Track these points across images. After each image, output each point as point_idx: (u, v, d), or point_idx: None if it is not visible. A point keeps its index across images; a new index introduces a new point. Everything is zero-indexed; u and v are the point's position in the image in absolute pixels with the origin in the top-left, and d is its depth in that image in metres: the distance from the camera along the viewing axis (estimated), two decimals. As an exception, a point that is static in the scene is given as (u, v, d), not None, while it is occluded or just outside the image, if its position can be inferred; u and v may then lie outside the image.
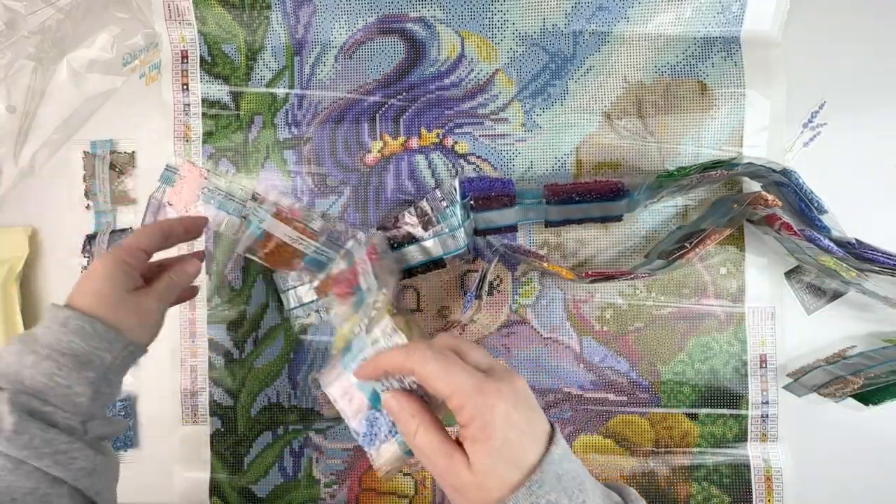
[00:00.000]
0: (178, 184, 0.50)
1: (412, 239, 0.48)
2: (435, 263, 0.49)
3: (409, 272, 0.50)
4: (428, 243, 0.48)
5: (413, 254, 0.49)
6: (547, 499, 0.28)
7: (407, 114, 0.52)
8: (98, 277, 0.38)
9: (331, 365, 0.39)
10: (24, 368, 0.35)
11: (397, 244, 0.49)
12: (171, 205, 0.49)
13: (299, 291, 0.51)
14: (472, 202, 0.48)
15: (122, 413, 0.55)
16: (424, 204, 0.48)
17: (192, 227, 0.44)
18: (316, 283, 0.46)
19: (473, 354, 0.32)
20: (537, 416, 0.31)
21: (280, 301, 0.52)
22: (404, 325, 0.38)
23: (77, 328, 0.36)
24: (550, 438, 0.30)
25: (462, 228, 0.48)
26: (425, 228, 0.48)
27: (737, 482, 0.49)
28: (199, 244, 0.54)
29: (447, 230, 0.47)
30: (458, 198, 0.48)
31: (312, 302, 0.51)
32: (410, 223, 0.48)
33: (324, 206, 0.52)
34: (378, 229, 0.50)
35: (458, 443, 0.30)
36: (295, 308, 0.52)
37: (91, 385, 0.36)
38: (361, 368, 0.34)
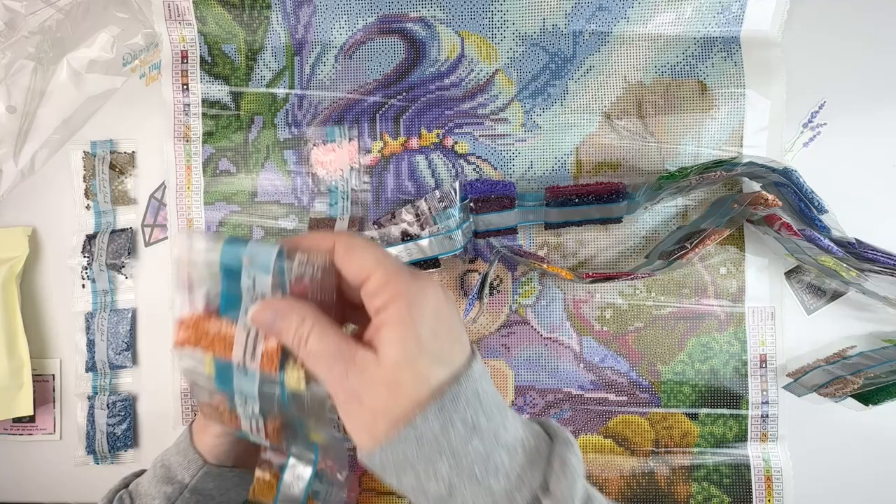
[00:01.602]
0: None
1: (408, 236, 0.48)
2: (430, 262, 0.49)
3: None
4: (424, 242, 0.48)
5: (409, 251, 0.49)
6: (464, 417, 0.24)
7: (407, 114, 0.52)
8: None
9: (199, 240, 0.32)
10: (147, 473, 0.41)
11: (393, 241, 0.49)
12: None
13: None
14: (472, 204, 0.48)
15: (122, 413, 0.55)
16: (423, 204, 0.48)
17: None
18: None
19: None
20: (462, 324, 0.27)
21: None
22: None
23: (178, 442, 0.41)
24: (472, 353, 0.27)
25: (460, 230, 0.48)
26: (422, 228, 0.48)
27: (737, 482, 0.49)
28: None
29: (444, 231, 0.47)
30: (457, 200, 0.48)
31: None
32: (407, 220, 0.48)
33: (324, 205, 0.52)
34: (373, 224, 0.50)
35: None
36: None
37: (167, 499, 0.39)
38: (287, 241, 0.29)
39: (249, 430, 0.35)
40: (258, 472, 0.38)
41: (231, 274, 0.29)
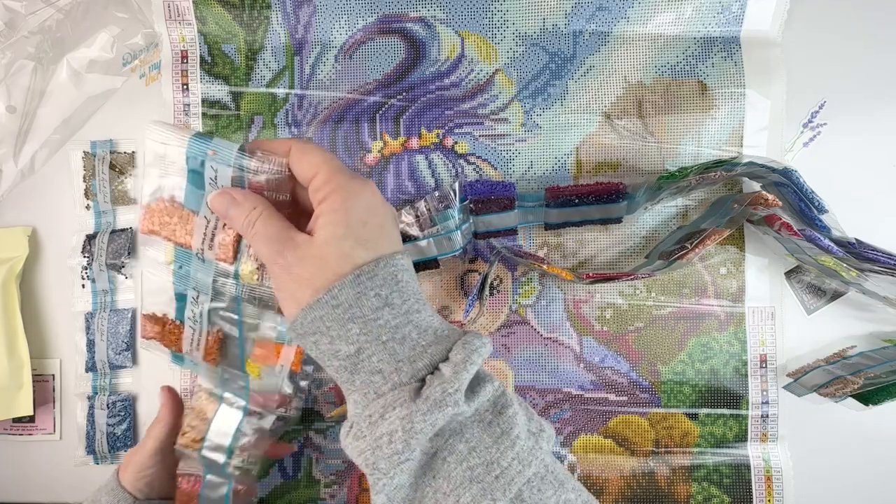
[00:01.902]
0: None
1: (407, 237, 0.48)
2: (428, 263, 0.49)
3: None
4: (423, 243, 0.48)
5: (407, 252, 0.49)
6: (378, 292, 0.27)
7: (407, 114, 0.52)
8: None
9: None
10: None
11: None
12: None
13: None
14: (471, 206, 0.48)
15: (122, 413, 0.55)
16: (422, 205, 0.48)
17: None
18: None
19: None
20: (395, 229, 0.30)
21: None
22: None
23: (107, 482, 0.43)
24: (401, 252, 0.30)
25: (459, 231, 0.48)
26: (421, 229, 0.48)
27: (737, 482, 0.49)
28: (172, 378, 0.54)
29: (443, 232, 0.47)
30: (456, 201, 0.48)
31: None
32: (406, 221, 0.48)
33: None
34: None
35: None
36: None
37: None
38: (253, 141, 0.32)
39: (190, 344, 0.37)
40: (180, 483, 0.41)
41: (196, 168, 0.32)
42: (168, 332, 0.38)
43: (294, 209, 0.32)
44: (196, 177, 0.32)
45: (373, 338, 0.27)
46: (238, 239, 0.33)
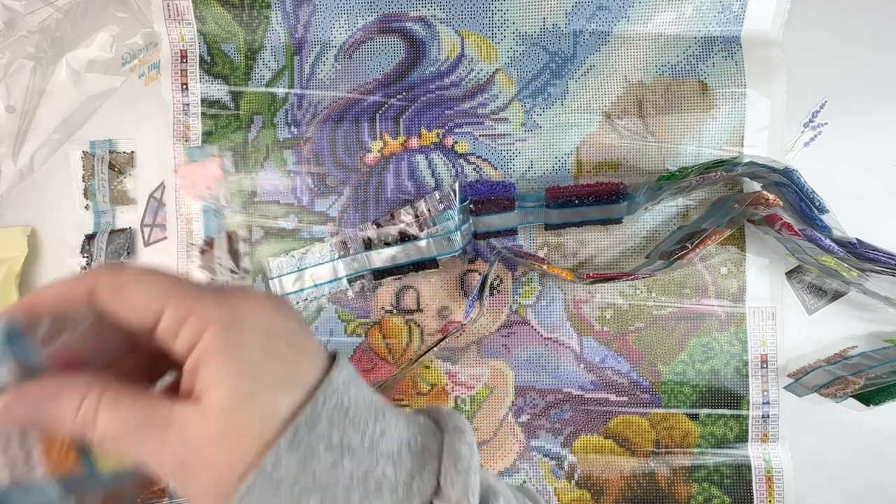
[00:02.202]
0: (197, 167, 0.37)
1: (406, 237, 0.48)
2: (427, 263, 0.49)
3: (401, 269, 0.50)
4: (422, 243, 0.48)
5: (407, 251, 0.49)
6: (328, 442, 0.20)
7: (407, 113, 0.51)
8: None
9: None
10: None
11: (391, 241, 0.49)
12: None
13: (284, 281, 0.51)
14: (471, 206, 0.48)
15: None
16: (422, 205, 0.48)
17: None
18: None
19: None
20: (309, 333, 0.22)
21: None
22: None
23: None
24: (332, 361, 0.22)
25: (459, 232, 0.48)
26: (421, 229, 0.48)
27: (738, 483, 0.49)
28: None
29: (443, 233, 0.47)
30: (456, 202, 0.48)
31: (300, 291, 0.51)
32: (406, 221, 0.48)
33: (324, 205, 0.52)
34: (373, 224, 0.50)
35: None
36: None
37: None
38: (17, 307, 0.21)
39: None
40: None
41: None
42: None
43: (141, 356, 0.23)
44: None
45: None
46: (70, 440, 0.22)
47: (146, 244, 0.55)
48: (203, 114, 0.53)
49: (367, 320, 0.52)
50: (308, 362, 0.21)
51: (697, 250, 0.45)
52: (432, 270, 0.50)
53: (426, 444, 0.22)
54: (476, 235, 0.50)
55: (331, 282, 0.51)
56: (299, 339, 0.21)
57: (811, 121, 0.49)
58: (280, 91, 0.53)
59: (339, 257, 0.51)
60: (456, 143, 0.51)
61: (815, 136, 0.49)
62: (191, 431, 0.19)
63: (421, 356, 0.50)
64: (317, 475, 0.19)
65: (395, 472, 0.21)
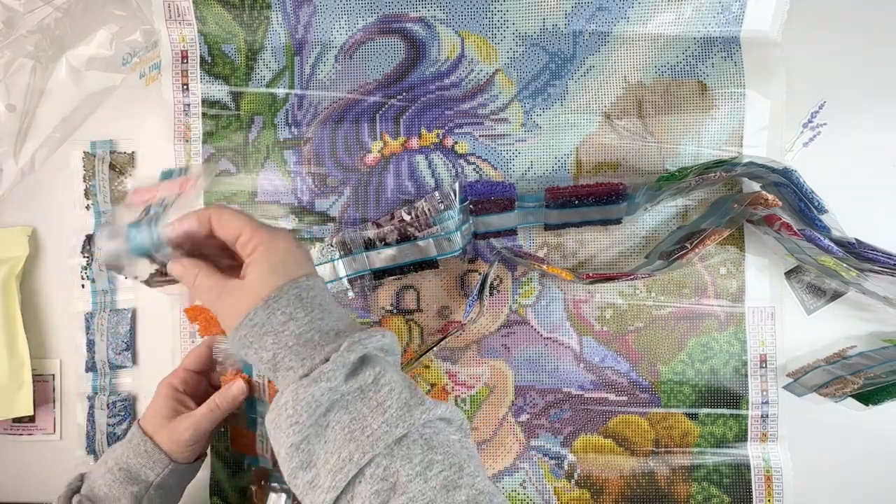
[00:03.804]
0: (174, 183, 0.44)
1: (406, 237, 0.48)
2: (427, 263, 0.49)
3: (402, 269, 0.50)
4: (422, 243, 0.48)
5: (407, 252, 0.49)
6: (283, 310, 0.34)
7: (407, 114, 0.52)
8: (154, 400, 0.47)
9: (112, 232, 0.40)
10: (98, 477, 0.44)
11: (391, 241, 0.49)
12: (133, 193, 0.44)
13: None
14: (471, 206, 0.48)
15: (123, 413, 0.55)
16: (422, 205, 0.48)
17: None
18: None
19: None
20: (308, 256, 0.38)
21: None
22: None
23: (135, 446, 0.45)
24: (310, 274, 0.37)
25: (459, 232, 0.48)
26: (421, 229, 0.48)
27: (737, 482, 0.49)
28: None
29: (443, 233, 0.47)
30: (456, 202, 0.48)
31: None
32: (406, 221, 0.48)
33: (324, 205, 0.52)
34: (373, 223, 0.50)
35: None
36: None
37: (134, 498, 0.43)
38: (171, 226, 0.38)
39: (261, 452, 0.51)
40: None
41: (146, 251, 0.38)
42: (250, 444, 0.52)
43: (231, 259, 0.39)
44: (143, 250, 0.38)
45: (282, 345, 0.34)
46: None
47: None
48: (204, 114, 0.53)
49: (368, 320, 0.52)
50: (301, 270, 0.36)
51: (697, 250, 0.45)
52: (433, 270, 0.50)
53: (349, 332, 0.36)
54: (476, 235, 0.51)
55: (331, 282, 0.51)
56: (301, 259, 0.37)
57: (810, 121, 0.50)
58: (280, 91, 0.53)
59: (340, 257, 0.51)
60: (456, 143, 0.51)
61: (814, 136, 0.50)
62: (235, 291, 0.36)
63: (421, 356, 0.50)
64: (273, 325, 0.34)
65: (319, 338, 0.35)
